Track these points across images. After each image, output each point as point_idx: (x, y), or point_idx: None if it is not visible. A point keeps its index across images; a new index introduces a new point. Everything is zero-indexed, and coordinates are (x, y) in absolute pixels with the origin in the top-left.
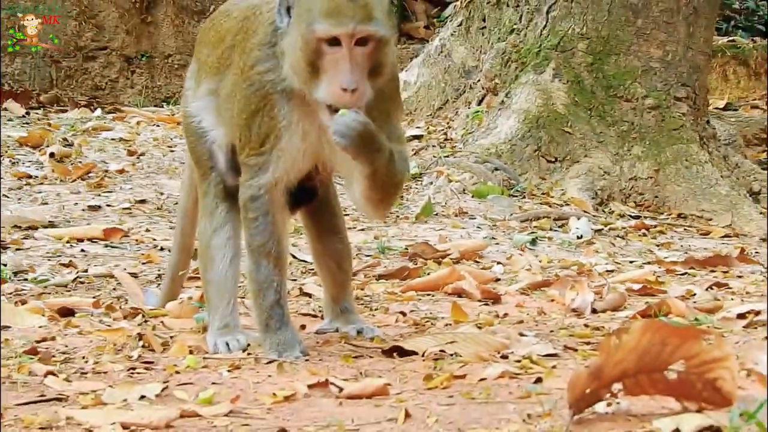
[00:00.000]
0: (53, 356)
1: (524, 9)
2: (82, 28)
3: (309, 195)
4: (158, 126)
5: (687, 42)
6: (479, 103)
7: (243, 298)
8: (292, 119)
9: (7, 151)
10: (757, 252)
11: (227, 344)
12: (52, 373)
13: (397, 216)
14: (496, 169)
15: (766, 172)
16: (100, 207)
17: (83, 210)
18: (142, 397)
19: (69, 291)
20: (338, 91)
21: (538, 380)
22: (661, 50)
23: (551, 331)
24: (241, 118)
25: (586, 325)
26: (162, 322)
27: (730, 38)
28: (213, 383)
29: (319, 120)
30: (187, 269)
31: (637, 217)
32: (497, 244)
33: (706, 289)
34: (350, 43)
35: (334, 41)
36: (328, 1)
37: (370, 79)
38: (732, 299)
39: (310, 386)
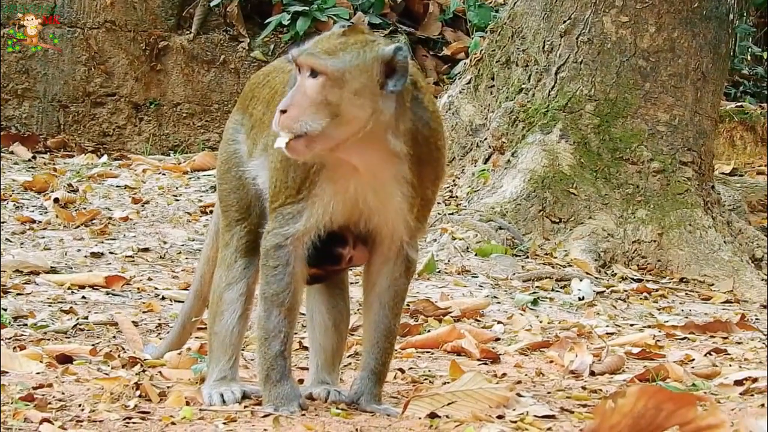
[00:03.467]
0: (49, 403)
1: (533, 69)
2: (91, 74)
3: (333, 262)
4: (164, 174)
5: (694, 107)
6: (485, 161)
7: (243, 349)
8: (323, 165)
9: (11, 195)
10: (757, 319)
11: (221, 396)
12: (47, 420)
13: None
14: (500, 228)
15: (766, 239)
16: (102, 254)
17: (86, 257)
18: None
19: (68, 338)
20: (276, 112)
21: None
22: (668, 114)
23: (548, 393)
24: (278, 163)
25: (583, 388)
26: (160, 372)
27: (738, 104)
28: None
29: (352, 169)
30: (201, 316)
31: (639, 281)
32: (499, 303)
33: (705, 355)
34: (302, 71)
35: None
36: (323, 34)
37: (327, 117)
38: (730, 365)
39: None
